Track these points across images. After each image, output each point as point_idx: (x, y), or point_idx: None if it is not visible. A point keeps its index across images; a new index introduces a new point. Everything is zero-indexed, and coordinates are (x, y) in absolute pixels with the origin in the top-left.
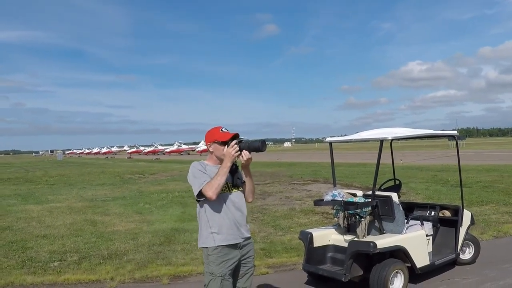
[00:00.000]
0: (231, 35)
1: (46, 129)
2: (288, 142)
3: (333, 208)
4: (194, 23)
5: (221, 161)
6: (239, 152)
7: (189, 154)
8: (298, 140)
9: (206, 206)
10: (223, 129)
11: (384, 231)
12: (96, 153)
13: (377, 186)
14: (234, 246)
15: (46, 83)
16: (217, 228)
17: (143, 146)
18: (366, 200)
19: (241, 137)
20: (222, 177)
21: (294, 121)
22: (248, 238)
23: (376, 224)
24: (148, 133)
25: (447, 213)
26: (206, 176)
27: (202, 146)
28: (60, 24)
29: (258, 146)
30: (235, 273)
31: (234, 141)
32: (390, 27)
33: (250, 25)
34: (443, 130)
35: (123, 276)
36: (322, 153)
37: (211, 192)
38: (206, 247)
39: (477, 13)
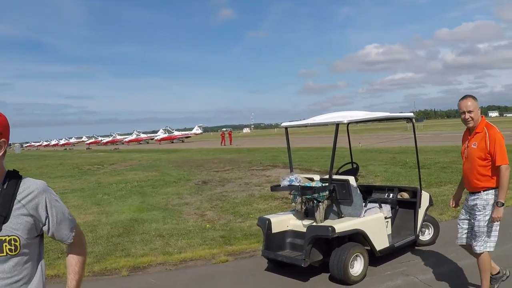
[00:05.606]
0: (187, 21)
1: None
2: (247, 128)
3: (290, 194)
4: (149, 10)
5: None
6: None
7: (147, 143)
8: (257, 126)
9: None
10: None
11: (343, 215)
12: (54, 145)
13: (335, 170)
14: None
15: (4, 76)
16: None
17: (101, 136)
18: (323, 185)
19: (200, 123)
20: None
21: (254, 107)
22: None
23: (334, 208)
24: (107, 123)
25: (405, 195)
26: None
27: (161, 134)
28: (16, 15)
29: None
30: None
31: None
32: (348, 12)
33: (205, 10)
34: (401, 112)
35: None
36: (281, 138)
37: None
38: None
39: None
